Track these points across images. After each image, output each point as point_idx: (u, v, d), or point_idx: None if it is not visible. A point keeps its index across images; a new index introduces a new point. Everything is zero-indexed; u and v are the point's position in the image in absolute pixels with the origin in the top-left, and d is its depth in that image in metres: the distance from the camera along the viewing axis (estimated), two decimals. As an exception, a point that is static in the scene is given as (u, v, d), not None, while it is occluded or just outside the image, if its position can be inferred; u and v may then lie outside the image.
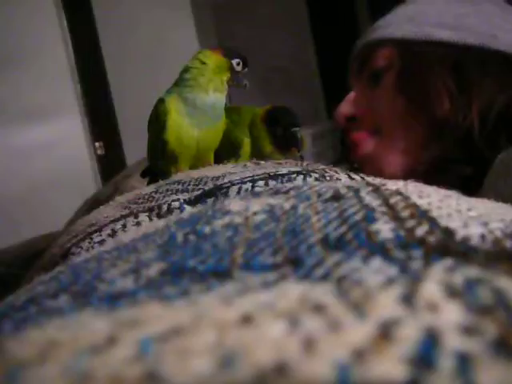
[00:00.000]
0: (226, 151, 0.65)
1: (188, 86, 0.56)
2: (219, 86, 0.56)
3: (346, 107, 0.65)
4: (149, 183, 0.63)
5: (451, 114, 0.56)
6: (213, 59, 0.57)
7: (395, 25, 0.61)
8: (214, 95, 0.56)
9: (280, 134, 0.64)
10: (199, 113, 0.56)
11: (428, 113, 0.57)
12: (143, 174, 0.68)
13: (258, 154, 0.65)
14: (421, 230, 0.18)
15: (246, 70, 0.58)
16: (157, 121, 0.57)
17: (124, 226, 0.37)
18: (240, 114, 0.68)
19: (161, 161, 0.59)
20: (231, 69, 0.57)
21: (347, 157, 0.68)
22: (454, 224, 0.19)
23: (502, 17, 0.59)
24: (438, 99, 0.56)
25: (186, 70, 0.58)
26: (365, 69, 0.64)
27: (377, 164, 0.60)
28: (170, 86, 0.58)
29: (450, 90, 0.56)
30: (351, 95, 0.66)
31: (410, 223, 0.19)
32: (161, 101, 0.57)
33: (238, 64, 0.58)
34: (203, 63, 0.57)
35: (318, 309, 0.13)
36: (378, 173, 0.54)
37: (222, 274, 0.17)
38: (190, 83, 0.56)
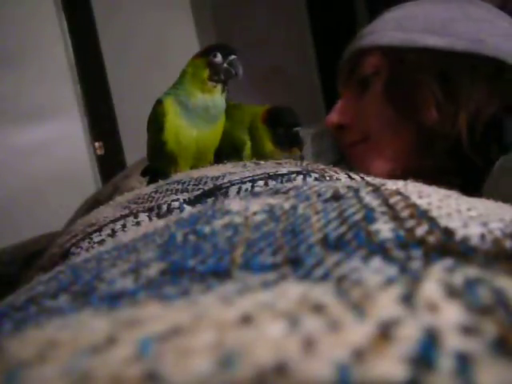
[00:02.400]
0: (227, 151, 0.65)
1: (181, 90, 0.56)
2: (204, 87, 0.55)
3: (334, 116, 0.65)
4: (148, 183, 0.63)
5: (439, 123, 0.55)
6: (190, 64, 0.57)
7: (382, 31, 0.61)
8: (203, 97, 0.55)
9: (281, 133, 0.64)
10: (194, 115, 0.56)
11: (415, 121, 0.57)
12: (143, 173, 0.68)
13: (258, 154, 0.65)
14: (420, 230, 0.18)
15: (233, 57, 0.56)
16: (155, 122, 0.57)
17: (124, 225, 0.37)
18: (241, 112, 0.68)
19: (160, 161, 0.59)
20: (210, 64, 0.56)
21: (344, 160, 0.68)
22: (453, 224, 0.19)
23: (490, 21, 0.58)
24: (425, 107, 0.56)
25: (180, 74, 0.58)
26: (353, 76, 0.64)
27: (365, 170, 0.60)
28: (169, 88, 0.58)
29: (436, 98, 0.55)
30: (339, 103, 0.66)
31: (410, 223, 0.19)
32: (159, 102, 0.57)
33: (216, 56, 0.56)
34: (185, 72, 0.57)
35: (318, 309, 0.13)
36: (367, 170, 0.54)
37: (221, 274, 0.17)
38: (182, 87, 0.56)
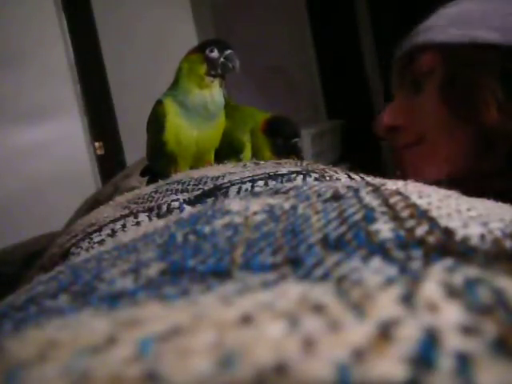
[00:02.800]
0: (226, 151, 0.65)
1: (179, 88, 0.56)
2: (201, 82, 0.55)
3: (387, 118, 0.62)
4: (148, 182, 0.63)
5: (499, 124, 0.53)
6: (185, 60, 0.57)
7: (437, 28, 0.58)
8: (201, 93, 0.55)
9: (280, 144, 0.65)
10: (194, 114, 0.56)
11: (474, 122, 0.54)
12: (143, 173, 0.68)
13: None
14: (420, 230, 0.18)
15: (229, 51, 0.56)
16: (155, 122, 0.57)
17: (124, 225, 0.37)
18: (242, 114, 0.68)
19: (160, 161, 0.59)
20: (207, 59, 0.56)
21: (393, 164, 0.65)
22: (453, 224, 0.19)
23: None
24: (485, 108, 0.53)
25: (176, 73, 0.58)
26: (406, 75, 0.61)
27: (420, 173, 0.58)
28: (168, 89, 0.58)
29: (497, 98, 0.53)
30: (393, 104, 0.63)
31: (410, 223, 0.19)
32: (159, 102, 0.57)
33: (212, 51, 0.56)
34: (180, 70, 0.57)
35: (318, 309, 0.13)
36: (418, 181, 0.52)
37: (221, 274, 0.17)
38: (180, 86, 0.56)
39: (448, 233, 0.18)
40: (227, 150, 0.65)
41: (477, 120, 0.54)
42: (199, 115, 0.56)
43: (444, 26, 0.57)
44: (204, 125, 0.56)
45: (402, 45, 0.62)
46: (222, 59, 0.56)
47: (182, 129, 0.56)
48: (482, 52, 0.54)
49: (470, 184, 0.45)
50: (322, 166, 0.43)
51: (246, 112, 0.69)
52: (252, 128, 0.66)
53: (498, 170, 0.53)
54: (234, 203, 0.25)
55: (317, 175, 0.38)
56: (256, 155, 0.66)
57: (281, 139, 0.65)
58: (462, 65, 0.56)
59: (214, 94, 0.56)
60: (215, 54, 0.56)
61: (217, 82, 0.56)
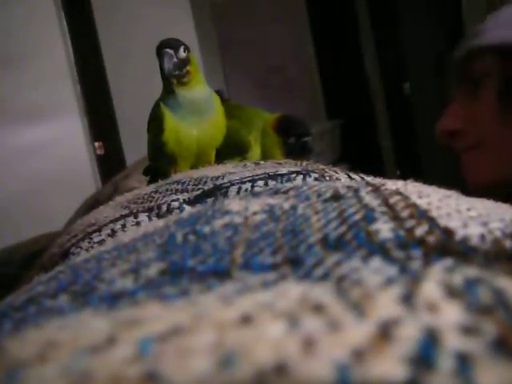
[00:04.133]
0: (231, 151, 0.65)
1: (168, 90, 0.56)
2: (178, 83, 0.55)
3: (447, 122, 0.61)
4: (149, 182, 0.63)
5: None
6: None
7: (494, 30, 0.57)
8: (186, 91, 0.55)
9: (292, 142, 0.65)
10: (188, 111, 0.56)
11: None
12: (145, 172, 0.68)
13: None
14: (420, 230, 0.18)
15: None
16: (155, 123, 0.57)
17: (123, 225, 0.37)
18: (247, 114, 0.68)
19: (161, 161, 0.59)
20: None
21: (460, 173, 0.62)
22: (453, 224, 0.19)
23: None
24: None
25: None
26: (464, 79, 0.60)
27: (480, 176, 0.57)
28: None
29: None
30: (452, 107, 0.62)
31: (410, 223, 0.19)
32: (157, 104, 0.57)
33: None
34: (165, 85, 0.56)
35: (318, 309, 0.13)
36: (476, 182, 0.51)
37: (221, 274, 0.17)
38: (167, 87, 0.56)
39: (448, 233, 0.18)
40: (232, 150, 0.65)
41: None
42: (193, 112, 0.56)
43: (499, 28, 0.56)
44: (201, 122, 0.56)
45: (459, 46, 0.61)
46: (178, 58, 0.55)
47: (181, 129, 0.56)
48: None
49: None
50: (321, 166, 0.43)
51: (251, 112, 0.69)
52: (262, 127, 0.66)
53: None
54: (233, 203, 0.25)
55: (317, 175, 0.38)
56: (266, 155, 0.67)
57: (293, 138, 0.65)
58: None
59: (201, 91, 0.56)
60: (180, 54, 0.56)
61: (199, 77, 0.56)
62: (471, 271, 0.14)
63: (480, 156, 0.58)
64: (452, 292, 0.13)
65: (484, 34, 0.57)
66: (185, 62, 0.55)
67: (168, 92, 0.56)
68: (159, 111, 0.56)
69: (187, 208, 0.37)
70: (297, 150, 0.65)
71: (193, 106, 0.56)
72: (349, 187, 0.25)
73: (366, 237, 0.18)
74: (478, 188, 0.54)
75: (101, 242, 0.36)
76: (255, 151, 0.66)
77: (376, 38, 2.73)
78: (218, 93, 0.61)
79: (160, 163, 0.60)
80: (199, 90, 0.56)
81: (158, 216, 0.38)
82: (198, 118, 0.56)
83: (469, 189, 0.55)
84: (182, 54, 0.55)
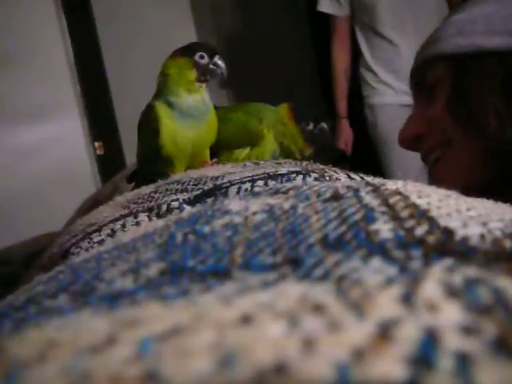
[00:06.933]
0: (240, 141, 0.66)
1: (169, 92, 0.56)
2: (191, 87, 0.56)
3: (408, 127, 0.62)
4: (134, 189, 0.62)
5: (500, 133, 0.52)
6: (172, 66, 0.57)
7: (445, 39, 0.57)
8: (191, 97, 0.56)
9: (310, 129, 0.68)
10: (187, 116, 0.56)
11: (476, 133, 0.54)
12: (129, 180, 0.67)
13: (288, 152, 0.67)
14: (420, 230, 0.18)
15: (217, 57, 0.57)
16: (148, 127, 0.56)
17: (123, 225, 0.37)
18: (252, 107, 0.70)
19: (154, 165, 0.58)
20: (196, 65, 0.56)
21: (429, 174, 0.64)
22: (453, 224, 0.19)
23: None
24: (484, 117, 0.53)
25: (162, 75, 0.58)
26: (421, 87, 0.61)
27: (446, 180, 0.56)
28: (155, 91, 0.58)
29: (496, 108, 0.52)
30: (413, 115, 0.63)
31: (410, 223, 0.19)
32: (150, 107, 0.56)
33: (202, 57, 0.56)
34: (167, 74, 0.57)
35: (318, 309, 0.13)
36: (448, 184, 0.51)
37: (221, 274, 0.17)
38: (169, 90, 0.56)
39: (448, 233, 0.18)
40: (243, 141, 0.66)
41: (478, 131, 0.53)
42: (192, 117, 0.56)
43: (452, 35, 0.57)
44: (198, 125, 0.57)
45: (417, 55, 0.62)
46: (210, 66, 0.57)
47: (177, 131, 0.55)
48: (483, 59, 0.54)
49: (495, 192, 0.45)
50: (321, 166, 0.43)
51: (256, 105, 0.70)
52: (277, 118, 0.67)
53: (508, 180, 0.53)
54: (233, 203, 0.25)
55: (316, 175, 0.38)
56: (288, 146, 0.68)
57: (311, 124, 0.68)
58: (465, 75, 0.55)
59: (203, 96, 0.57)
60: (205, 60, 0.56)
61: (204, 85, 0.57)
62: (471, 271, 0.14)
63: (445, 164, 0.59)
64: (452, 292, 0.13)
65: (437, 43, 0.59)
66: None
67: (172, 95, 0.56)
68: (154, 114, 0.55)
69: (187, 208, 0.37)
70: (316, 135, 0.68)
71: (195, 109, 0.56)
72: (349, 187, 0.25)
73: (366, 237, 0.18)
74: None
75: (101, 242, 0.36)
76: (268, 140, 0.67)
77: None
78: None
79: (155, 167, 0.59)
80: (204, 95, 0.57)
81: (158, 216, 0.38)
82: (196, 121, 0.56)
83: None
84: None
